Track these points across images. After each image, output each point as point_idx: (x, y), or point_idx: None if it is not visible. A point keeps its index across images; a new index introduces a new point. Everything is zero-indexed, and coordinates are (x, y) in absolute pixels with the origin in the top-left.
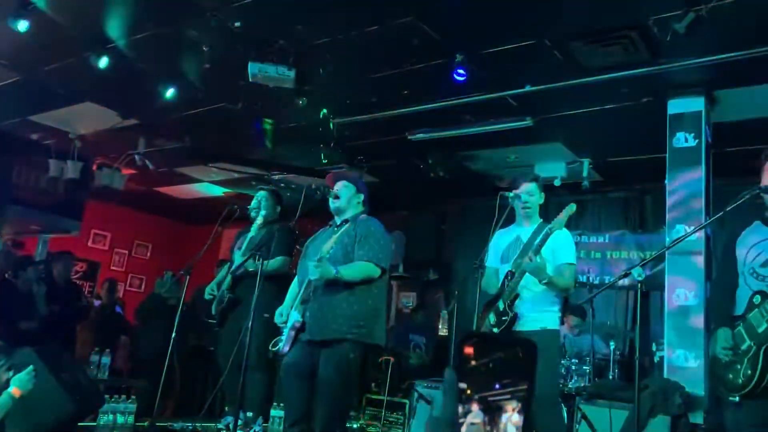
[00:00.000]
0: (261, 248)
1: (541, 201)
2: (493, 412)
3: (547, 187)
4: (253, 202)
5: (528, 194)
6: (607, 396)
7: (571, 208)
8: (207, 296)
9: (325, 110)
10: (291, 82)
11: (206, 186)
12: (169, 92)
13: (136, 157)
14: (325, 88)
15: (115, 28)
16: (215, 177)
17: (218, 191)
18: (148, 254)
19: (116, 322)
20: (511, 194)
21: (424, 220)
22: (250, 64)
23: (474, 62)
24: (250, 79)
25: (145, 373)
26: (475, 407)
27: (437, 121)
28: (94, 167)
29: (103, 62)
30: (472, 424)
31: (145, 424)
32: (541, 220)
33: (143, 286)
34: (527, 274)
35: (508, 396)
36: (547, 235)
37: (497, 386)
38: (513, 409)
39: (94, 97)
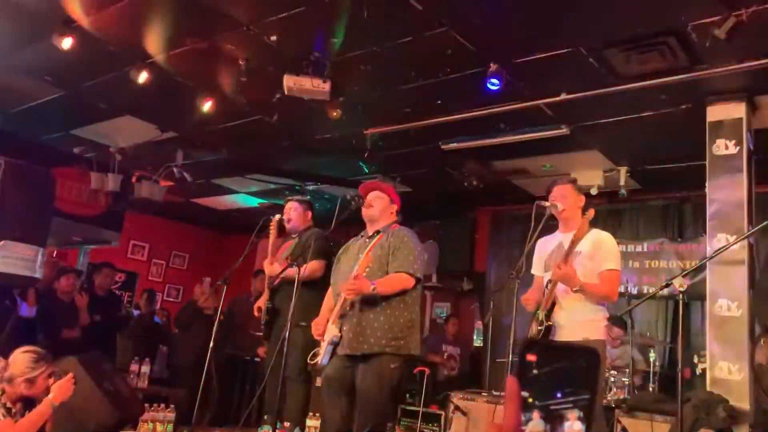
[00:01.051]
0: (298, 257)
1: (580, 204)
2: (554, 420)
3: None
4: (285, 213)
5: (562, 196)
6: (648, 409)
7: (589, 214)
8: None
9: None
10: (326, 95)
11: (242, 197)
12: (207, 105)
13: (175, 169)
14: (360, 99)
15: (153, 42)
16: (251, 188)
17: (254, 202)
18: (185, 265)
19: (155, 332)
20: (548, 204)
21: (457, 229)
22: (285, 77)
23: (508, 71)
24: (286, 92)
25: (184, 382)
26: (536, 415)
27: (471, 130)
28: (134, 179)
29: (143, 77)
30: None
31: None
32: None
33: (180, 296)
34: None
35: (570, 404)
36: (576, 239)
37: (559, 394)
38: (575, 418)
39: (134, 110)
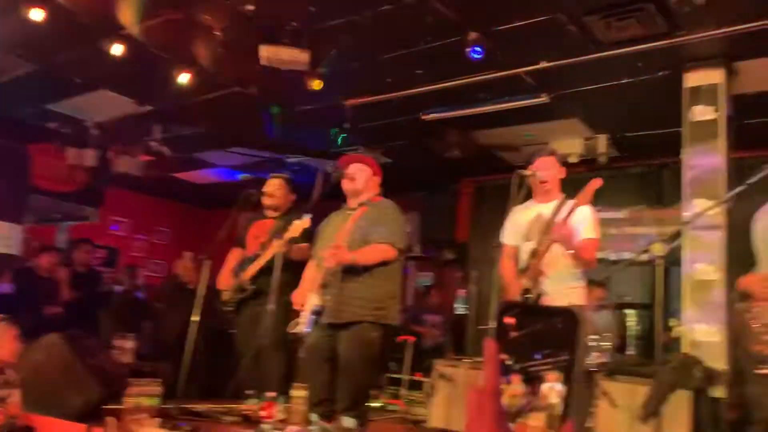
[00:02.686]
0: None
1: (561, 175)
2: (534, 382)
3: (564, 163)
4: (266, 187)
5: (545, 169)
6: (628, 372)
7: (597, 182)
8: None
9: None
10: (304, 65)
11: (223, 170)
12: (184, 78)
13: (153, 143)
14: (339, 69)
15: (127, 14)
16: (232, 161)
17: (235, 175)
18: (168, 240)
19: (138, 307)
20: (528, 172)
21: (439, 200)
22: (261, 47)
23: (489, 39)
24: (263, 63)
25: (169, 356)
26: (515, 378)
27: (452, 100)
28: (112, 154)
29: (117, 50)
30: (513, 395)
31: (171, 406)
32: (563, 195)
33: (163, 271)
34: (552, 251)
35: (550, 366)
36: (574, 208)
37: (538, 356)
38: (555, 379)
39: (110, 84)
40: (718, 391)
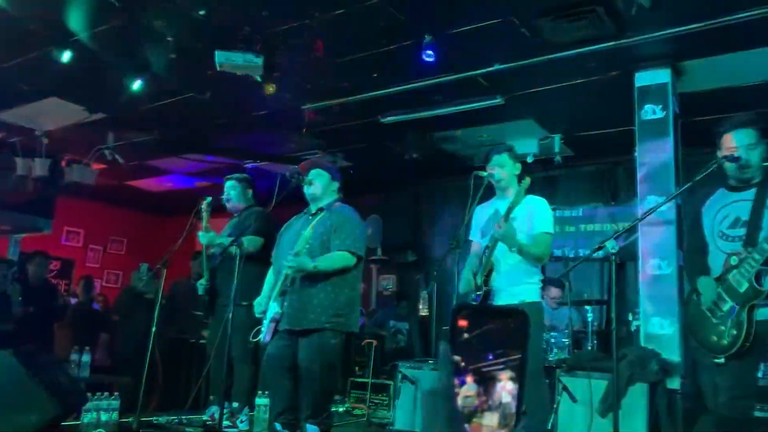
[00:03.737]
0: (238, 236)
1: (517, 171)
2: (487, 382)
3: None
4: (224, 192)
5: (499, 166)
6: (587, 367)
7: (526, 182)
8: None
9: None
10: (259, 70)
11: (178, 177)
12: (136, 84)
13: (106, 151)
14: (295, 73)
15: (76, 20)
16: (187, 168)
17: (191, 183)
18: (124, 249)
19: (94, 320)
20: (485, 174)
21: (399, 202)
22: (216, 53)
23: (443, 42)
24: (218, 68)
25: (127, 369)
26: (469, 379)
27: (409, 103)
28: (63, 164)
29: (67, 56)
30: (467, 396)
31: (130, 419)
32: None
33: (120, 282)
34: (500, 245)
35: (502, 366)
36: (513, 204)
37: (490, 357)
38: (507, 378)
39: (60, 92)
40: (674, 383)
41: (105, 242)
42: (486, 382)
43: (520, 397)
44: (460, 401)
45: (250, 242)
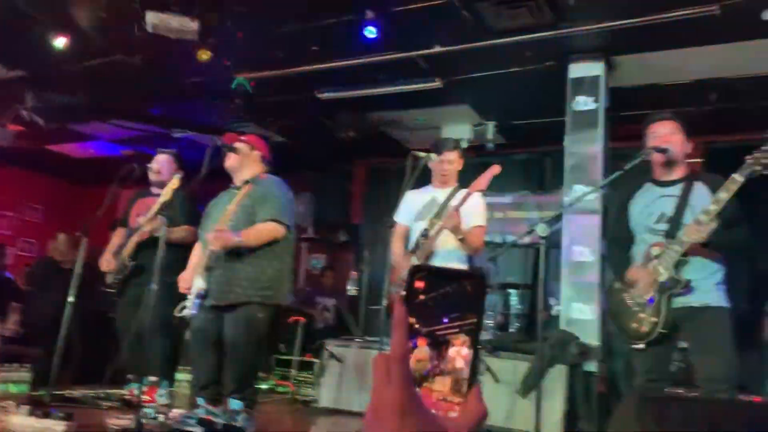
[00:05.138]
0: (162, 212)
1: (459, 168)
2: (441, 346)
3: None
4: (153, 165)
5: (449, 162)
6: (510, 348)
7: (495, 168)
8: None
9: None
10: (194, 35)
11: (103, 144)
12: (60, 41)
13: (24, 112)
14: (231, 41)
15: None
16: (113, 135)
17: (116, 150)
18: (40, 217)
19: (6, 289)
20: (424, 155)
21: (333, 181)
22: (148, 14)
23: (384, 19)
24: (150, 30)
25: (40, 341)
26: (421, 341)
27: (347, 79)
28: None
29: None
30: (419, 360)
31: (43, 393)
32: (458, 184)
33: (35, 251)
34: (443, 232)
35: (457, 329)
36: (467, 196)
37: (445, 320)
38: (462, 343)
39: None
40: (591, 366)
41: (20, 209)
42: (440, 346)
43: (474, 364)
44: (412, 364)
45: (181, 234)
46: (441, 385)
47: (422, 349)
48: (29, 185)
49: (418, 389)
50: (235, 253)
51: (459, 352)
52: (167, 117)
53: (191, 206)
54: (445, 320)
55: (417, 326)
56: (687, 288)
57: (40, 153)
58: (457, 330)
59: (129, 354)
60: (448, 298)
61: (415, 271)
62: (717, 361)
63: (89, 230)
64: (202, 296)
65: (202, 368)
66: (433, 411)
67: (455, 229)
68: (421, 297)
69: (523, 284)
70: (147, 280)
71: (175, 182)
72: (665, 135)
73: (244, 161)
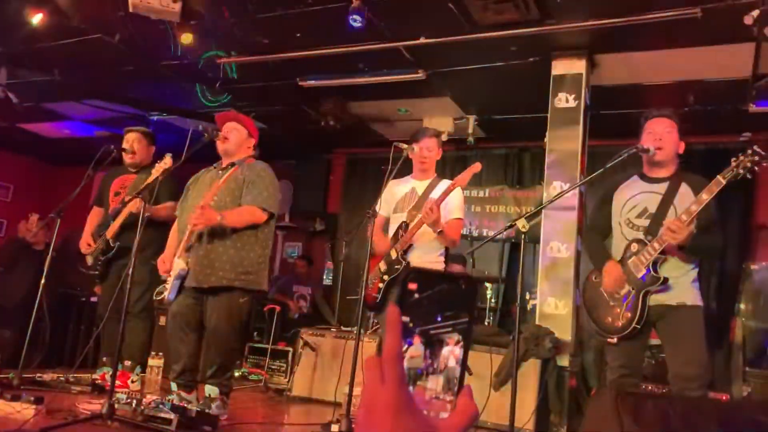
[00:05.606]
0: (143, 191)
1: (438, 157)
2: (434, 345)
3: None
4: (125, 144)
5: (428, 150)
6: (485, 342)
7: (477, 167)
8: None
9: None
10: (176, 16)
11: (77, 124)
12: (36, 18)
13: None
14: (213, 24)
15: None
16: (88, 116)
17: (90, 131)
18: (10, 196)
19: None
20: (406, 146)
21: (311, 169)
22: None
23: (370, 9)
24: (131, 9)
25: (9, 323)
26: (416, 340)
27: (330, 67)
28: None
29: None
30: (413, 357)
31: (11, 375)
32: (436, 174)
33: (3, 230)
34: (424, 225)
35: (450, 329)
36: (449, 191)
37: (439, 319)
38: (454, 342)
39: None
40: (563, 360)
41: None
42: (434, 345)
43: (464, 363)
44: (406, 363)
45: (167, 213)
46: (434, 383)
47: (417, 348)
48: None
49: (412, 387)
50: (218, 236)
51: (452, 352)
52: (144, 99)
53: (173, 184)
54: (439, 319)
55: (411, 325)
56: (664, 285)
57: (12, 131)
58: (450, 329)
59: (106, 337)
60: (443, 297)
61: (410, 273)
62: (690, 359)
63: (63, 212)
64: (183, 278)
65: (178, 353)
66: (426, 410)
67: (434, 224)
68: (416, 297)
69: (497, 278)
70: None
71: (167, 161)
72: (661, 133)
73: (239, 147)
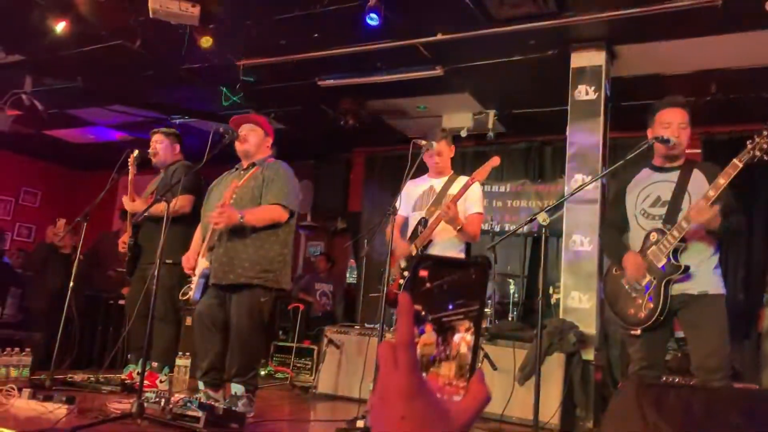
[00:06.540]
0: (165, 192)
1: (451, 155)
2: (446, 332)
3: (455, 138)
4: (151, 148)
5: (437, 154)
6: (508, 336)
7: (495, 160)
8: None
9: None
10: (195, 20)
11: (101, 130)
12: (59, 26)
13: (23, 96)
14: (232, 27)
15: None
16: (111, 121)
17: (113, 136)
18: (38, 202)
19: (5, 273)
20: (425, 143)
21: (332, 169)
22: None
23: (387, 7)
24: (151, 15)
25: (39, 325)
26: (428, 328)
27: (348, 67)
28: None
29: None
30: (426, 344)
31: (43, 376)
32: (453, 171)
33: (33, 236)
34: (443, 221)
35: (462, 316)
36: (466, 187)
37: (451, 306)
38: (466, 329)
39: None
40: (588, 354)
41: (17, 194)
42: (446, 332)
43: (475, 350)
44: (419, 350)
45: (181, 202)
46: (447, 369)
47: (429, 335)
48: (27, 170)
49: (425, 374)
50: (238, 234)
51: (463, 338)
52: (166, 103)
53: (193, 177)
54: (451, 307)
55: (423, 313)
56: (685, 274)
57: (38, 138)
58: (462, 316)
59: (133, 336)
60: (454, 286)
61: (421, 261)
62: (712, 351)
63: (89, 216)
64: (207, 276)
65: (204, 353)
66: (439, 395)
67: (453, 221)
68: (427, 285)
69: (520, 274)
70: (149, 257)
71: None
72: (678, 127)
73: (258, 147)
